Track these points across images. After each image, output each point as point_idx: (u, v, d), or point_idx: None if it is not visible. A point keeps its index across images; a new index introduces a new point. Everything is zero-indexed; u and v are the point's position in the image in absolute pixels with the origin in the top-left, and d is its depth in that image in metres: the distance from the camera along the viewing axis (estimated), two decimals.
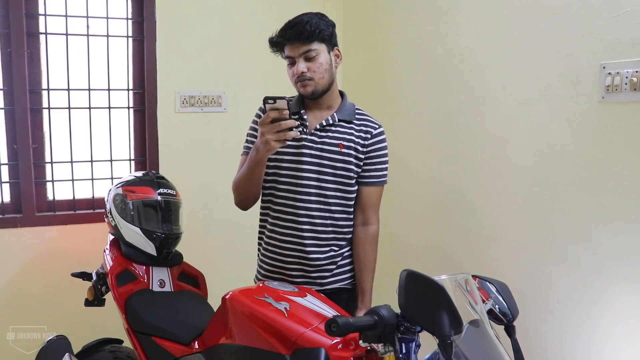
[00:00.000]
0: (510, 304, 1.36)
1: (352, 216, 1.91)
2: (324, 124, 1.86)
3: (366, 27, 3.08)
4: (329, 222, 1.87)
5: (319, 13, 1.84)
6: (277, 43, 1.83)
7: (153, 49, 2.86)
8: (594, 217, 1.85)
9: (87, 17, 2.78)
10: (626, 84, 1.71)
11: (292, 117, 1.71)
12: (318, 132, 1.86)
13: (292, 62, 1.82)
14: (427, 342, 1.30)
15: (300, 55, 1.79)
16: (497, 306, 1.36)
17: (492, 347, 1.25)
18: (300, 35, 1.76)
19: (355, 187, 1.89)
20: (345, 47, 3.24)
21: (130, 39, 2.88)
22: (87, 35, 2.79)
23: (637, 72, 1.68)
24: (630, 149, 1.73)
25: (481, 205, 2.32)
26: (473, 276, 1.36)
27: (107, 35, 2.83)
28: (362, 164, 1.87)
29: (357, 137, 1.87)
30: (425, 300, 1.19)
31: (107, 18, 2.81)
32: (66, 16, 2.73)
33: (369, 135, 1.88)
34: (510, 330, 1.35)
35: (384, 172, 1.92)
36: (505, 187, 2.20)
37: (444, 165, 2.52)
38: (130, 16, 2.88)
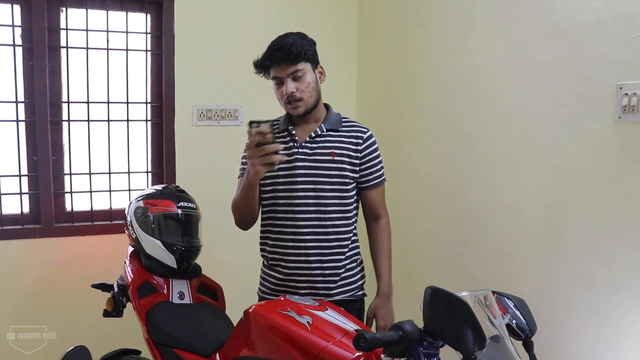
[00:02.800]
0: (529, 320, 1.38)
1: (350, 221, 1.96)
2: (313, 135, 1.91)
3: (382, 43, 3.12)
4: (330, 230, 1.91)
5: (300, 33, 1.90)
6: (263, 66, 1.87)
7: (171, 62, 2.91)
8: (609, 235, 1.87)
9: (107, 31, 2.83)
10: None
11: (281, 134, 1.72)
12: (309, 144, 1.91)
13: (280, 83, 1.86)
14: (446, 356, 1.33)
15: (287, 75, 1.83)
16: (514, 321, 1.38)
17: None
18: (288, 57, 1.81)
19: (353, 192, 1.95)
20: (360, 64, 3.29)
21: (149, 53, 2.93)
22: (107, 49, 2.84)
23: None
24: None
25: (496, 222, 2.34)
26: (492, 292, 1.39)
27: (127, 49, 2.87)
28: (357, 169, 1.93)
29: (348, 143, 1.92)
30: (450, 317, 1.21)
31: (127, 32, 2.86)
32: (87, 30, 2.78)
33: (360, 141, 1.94)
34: (528, 346, 1.37)
35: (382, 172, 2.00)
36: (521, 204, 2.21)
37: (460, 181, 2.54)
38: (149, 31, 2.93)
